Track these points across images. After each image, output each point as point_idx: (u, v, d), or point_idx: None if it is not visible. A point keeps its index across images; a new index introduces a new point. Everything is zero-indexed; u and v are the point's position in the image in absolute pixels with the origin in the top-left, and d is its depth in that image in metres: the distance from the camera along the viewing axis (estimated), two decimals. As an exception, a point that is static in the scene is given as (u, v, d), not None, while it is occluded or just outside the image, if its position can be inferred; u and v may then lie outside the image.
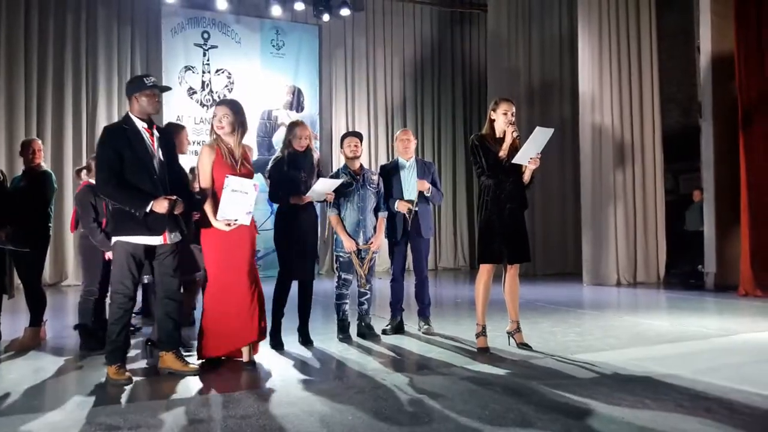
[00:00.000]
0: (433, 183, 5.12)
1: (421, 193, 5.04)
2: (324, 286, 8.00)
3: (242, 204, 3.75)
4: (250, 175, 3.92)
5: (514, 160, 4.16)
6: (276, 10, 11.45)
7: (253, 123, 10.71)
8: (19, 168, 5.24)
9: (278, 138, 10.96)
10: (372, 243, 4.86)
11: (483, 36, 12.93)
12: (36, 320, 4.81)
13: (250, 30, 11.65)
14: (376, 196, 4.93)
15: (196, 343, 4.02)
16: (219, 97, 10.93)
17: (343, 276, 4.87)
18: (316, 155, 4.78)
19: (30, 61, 9.81)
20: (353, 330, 4.95)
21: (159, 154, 3.72)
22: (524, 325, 4.62)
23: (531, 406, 3.00)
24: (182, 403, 3.17)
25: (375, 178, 4.97)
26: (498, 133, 4.34)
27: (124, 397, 3.29)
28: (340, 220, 4.82)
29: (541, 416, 2.84)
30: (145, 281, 4.68)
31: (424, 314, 5.18)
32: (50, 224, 4.92)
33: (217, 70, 11.35)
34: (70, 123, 10.02)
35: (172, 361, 3.74)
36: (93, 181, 4.85)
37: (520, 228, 4.34)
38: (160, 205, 3.57)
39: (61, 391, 3.56)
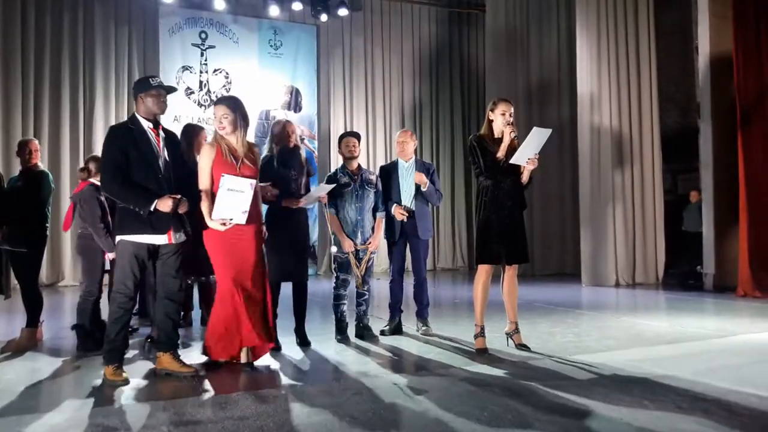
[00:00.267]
0: (432, 184, 5.10)
1: (419, 194, 5.03)
2: (322, 286, 7.99)
3: (238, 203, 3.70)
4: (253, 174, 3.85)
5: (512, 161, 4.15)
6: (274, 10, 11.43)
7: (251, 123, 10.69)
8: (17, 168, 5.23)
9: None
10: (370, 243, 4.85)
11: (481, 36, 12.92)
12: (33, 321, 4.79)
13: (247, 30, 11.63)
14: (375, 196, 4.92)
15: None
16: (217, 97, 10.92)
17: (341, 276, 4.86)
18: (303, 153, 4.78)
19: (27, 60, 9.79)
20: (351, 331, 4.93)
21: (164, 153, 3.74)
22: (523, 325, 4.62)
23: (529, 407, 3.00)
24: (179, 404, 3.15)
25: (373, 178, 4.96)
26: (496, 134, 4.33)
27: (121, 398, 3.28)
28: (338, 221, 4.81)
29: (540, 417, 2.83)
30: None
31: (422, 315, 5.17)
32: (47, 224, 4.90)
33: (215, 70, 11.34)
34: (67, 122, 10.00)
35: (170, 362, 3.73)
36: (94, 181, 4.85)
37: (519, 228, 4.33)
38: (164, 204, 3.57)
39: (58, 392, 3.55)
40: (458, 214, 13.12)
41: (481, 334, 4.35)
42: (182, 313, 4.92)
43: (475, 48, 13.43)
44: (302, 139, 11.65)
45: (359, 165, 4.95)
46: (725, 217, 7.98)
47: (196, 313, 5.70)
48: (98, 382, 3.59)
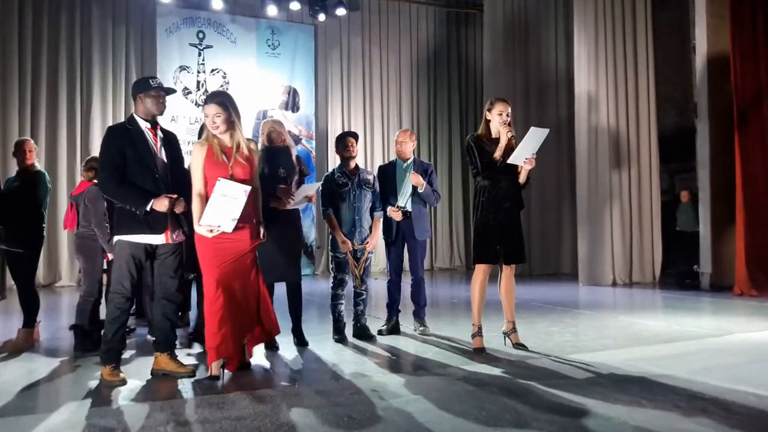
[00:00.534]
0: (430, 184, 5.10)
1: (415, 194, 5.02)
2: (320, 286, 7.99)
3: (228, 210, 3.59)
4: (247, 173, 3.76)
5: (509, 161, 4.15)
6: (271, 10, 11.42)
7: (248, 123, 10.70)
8: (13, 168, 5.22)
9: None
10: (368, 243, 4.85)
11: (479, 36, 12.94)
12: (29, 321, 4.77)
13: (245, 30, 11.62)
14: (372, 196, 4.92)
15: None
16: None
17: (339, 276, 4.85)
18: (294, 152, 4.76)
19: (24, 60, 9.78)
20: (349, 331, 4.93)
21: (162, 154, 3.74)
22: (520, 325, 4.62)
23: (527, 406, 3.00)
24: (177, 404, 3.15)
25: (370, 178, 4.95)
26: (493, 134, 4.33)
27: (118, 399, 3.27)
28: (336, 221, 4.81)
29: (538, 416, 2.83)
30: None
31: (419, 315, 5.17)
32: (44, 225, 4.89)
33: (213, 70, 11.32)
34: (64, 122, 9.99)
35: (167, 363, 3.72)
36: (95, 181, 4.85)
37: (516, 228, 4.33)
38: (161, 204, 3.57)
39: (55, 393, 3.54)
40: (456, 213, 13.13)
41: (478, 333, 4.35)
42: (179, 313, 4.91)
43: (473, 48, 13.44)
44: (300, 139, 11.66)
45: (357, 165, 4.94)
46: (722, 217, 8.00)
47: (195, 314, 5.68)
48: (95, 382, 3.58)
